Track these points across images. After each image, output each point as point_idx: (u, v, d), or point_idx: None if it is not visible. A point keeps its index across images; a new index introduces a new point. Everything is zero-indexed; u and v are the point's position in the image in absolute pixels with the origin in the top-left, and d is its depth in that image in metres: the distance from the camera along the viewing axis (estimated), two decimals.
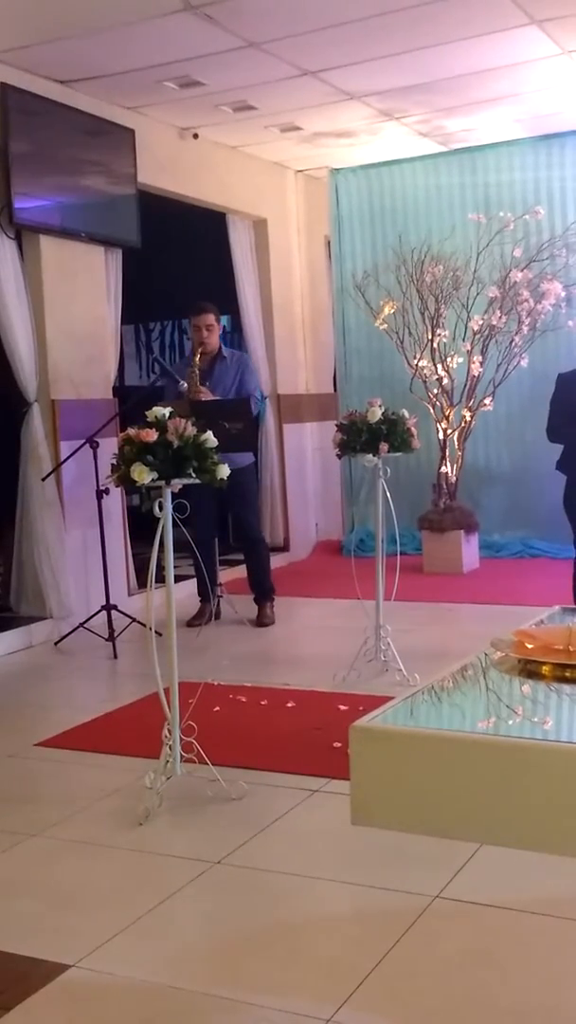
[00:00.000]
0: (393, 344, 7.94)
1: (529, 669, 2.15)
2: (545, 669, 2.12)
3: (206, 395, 5.99)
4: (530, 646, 2.18)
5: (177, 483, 3.48)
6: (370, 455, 4.80)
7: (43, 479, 6.01)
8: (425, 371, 7.82)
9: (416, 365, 7.83)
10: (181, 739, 3.56)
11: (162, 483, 3.46)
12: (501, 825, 1.77)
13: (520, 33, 5.81)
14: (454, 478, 7.89)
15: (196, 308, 6.24)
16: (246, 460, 6.19)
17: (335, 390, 9.05)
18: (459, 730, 1.98)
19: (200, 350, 6.12)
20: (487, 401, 7.78)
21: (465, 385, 7.81)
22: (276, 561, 7.17)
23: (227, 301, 7.50)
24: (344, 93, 6.76)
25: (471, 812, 1.79)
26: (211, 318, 6.18)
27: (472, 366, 7.73)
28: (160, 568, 3.59)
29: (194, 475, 3.46)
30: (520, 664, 2.17)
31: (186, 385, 5.87)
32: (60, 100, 6.18)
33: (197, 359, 6.09)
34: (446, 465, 7.88)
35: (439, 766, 1.81)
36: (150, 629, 3.61)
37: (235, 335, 9.33)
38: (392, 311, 7.85)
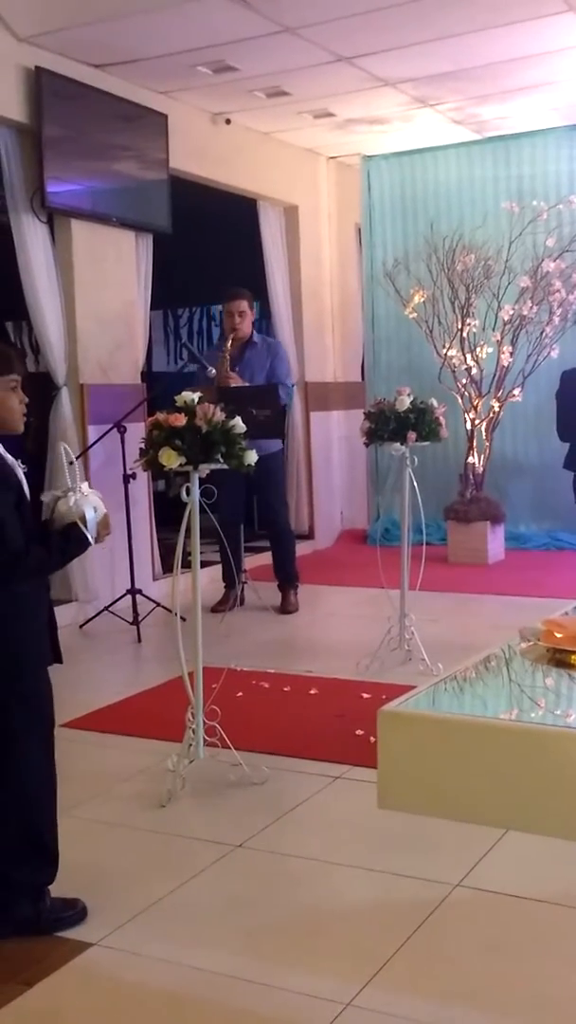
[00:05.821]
0: (422, 333, 7.90)
1: (558, 658, 2.15)
2: (574, 658, 2.12)
3: (236, 381, 6.00)
4: (559, 635, 2.18)
5: (205, 468, 3.49)
6: (398, 444, 4.79)
7: (70, 463, 6.01)
8: (454, 361, 7.78)
9: (445, 354, 7.79)
10: (204, 723, 3.57)
11: (190, 468, 3.46)
12: (526, 811, 1.77)
13: (557, 20, 5.75)
14: (481, 469, 7.85)
15: (229, 294, 6.25)
16: (274, 447, 6.19)
17: (363, 378, 9.02)
18: (486, 715, 1.98)
19: (231, 336, 6.13)
20: (516, 392, 7.73)
21: (494, 375, 7.76)
22: (301, 549, 7.16)
23: (256, 288, 7.47)
24: (378, 79, 6.72)
25: (497, 797, 1.79)
26: (244, 304, 6.19)
27: (502, 356, 7.68)
28: (186, 553, 3.60)
29: (222, 460, 3.47)
30: (548, 653, 2.17)
31: (214, 371, 5.87)
32: (93, 84, 6.17)
33: (228, 345, 6.10)
34: (473, 455, 7.84)
35: (466, 751, 1.81)
36: (175, 614, 3.63)
37: (264, 322, 9.30)
38: (422, 300, 7.82)
